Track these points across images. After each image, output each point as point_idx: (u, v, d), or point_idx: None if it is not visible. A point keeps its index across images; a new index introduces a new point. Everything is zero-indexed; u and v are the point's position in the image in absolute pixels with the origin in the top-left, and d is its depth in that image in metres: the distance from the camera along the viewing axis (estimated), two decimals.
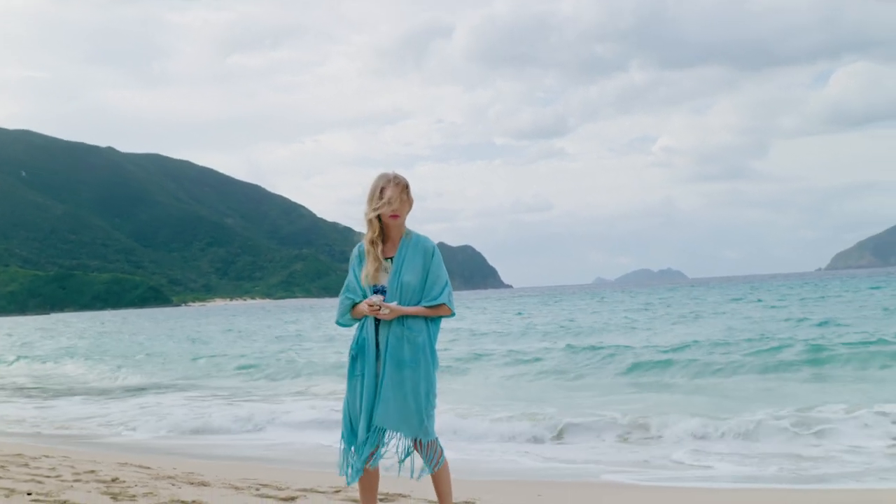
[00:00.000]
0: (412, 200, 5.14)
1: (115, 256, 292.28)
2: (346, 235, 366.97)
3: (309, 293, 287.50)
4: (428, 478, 5.16)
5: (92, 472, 8.39)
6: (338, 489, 7.37)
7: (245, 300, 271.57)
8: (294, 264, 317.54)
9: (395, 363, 5.01)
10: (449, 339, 30.87)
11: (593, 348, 23.24)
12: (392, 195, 5.01)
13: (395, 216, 5.05)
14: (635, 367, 19.31)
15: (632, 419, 11.86)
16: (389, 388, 5.00)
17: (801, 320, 31.55)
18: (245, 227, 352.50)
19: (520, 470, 9.61)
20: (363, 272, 5.11)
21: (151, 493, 7.02)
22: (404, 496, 7.02)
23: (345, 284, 5.21)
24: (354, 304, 5.15)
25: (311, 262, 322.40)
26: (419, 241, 5.14)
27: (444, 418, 11.14)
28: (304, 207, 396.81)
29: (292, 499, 6.96)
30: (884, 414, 10.89)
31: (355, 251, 5.21)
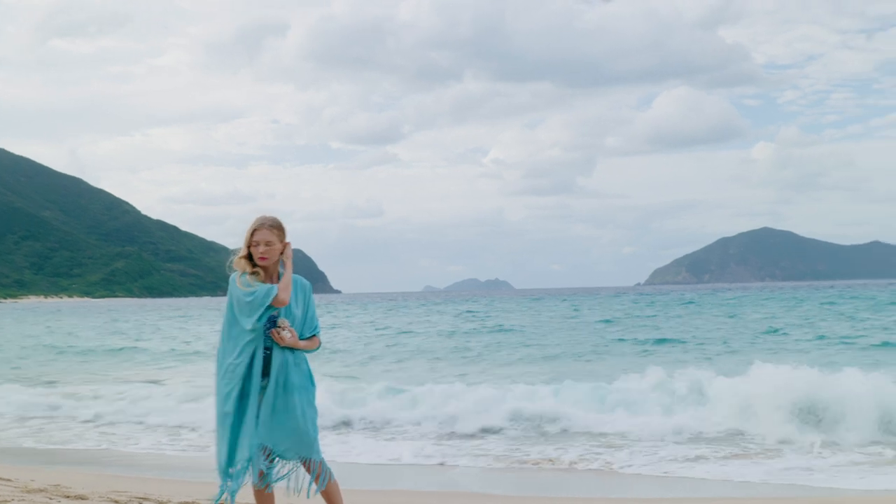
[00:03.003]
0: (285, 242, 5.47)
1: None
2: (171, 234, 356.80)
3: (131, 293, 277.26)
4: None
5: None
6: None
7: (62, 298, 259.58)
8: (116, 262, 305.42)
9: (287, 388, 5.40)
10: None
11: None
12: (260, 238, 5.37)
13: (263, 259, 5.38)
14: None
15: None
16: (280, 413, 5.39)
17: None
18: (64, 222, 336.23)
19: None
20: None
21: None
22: None
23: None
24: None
25: (135, 260, 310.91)
26: (297, 279, 5.55)
27: None
28: (128, 203, 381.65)
29: None
30: None
31: (233, 277, 5.44)
